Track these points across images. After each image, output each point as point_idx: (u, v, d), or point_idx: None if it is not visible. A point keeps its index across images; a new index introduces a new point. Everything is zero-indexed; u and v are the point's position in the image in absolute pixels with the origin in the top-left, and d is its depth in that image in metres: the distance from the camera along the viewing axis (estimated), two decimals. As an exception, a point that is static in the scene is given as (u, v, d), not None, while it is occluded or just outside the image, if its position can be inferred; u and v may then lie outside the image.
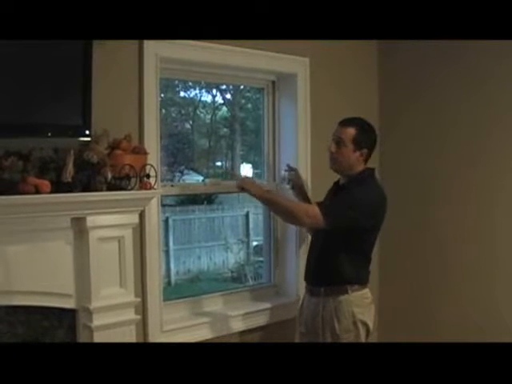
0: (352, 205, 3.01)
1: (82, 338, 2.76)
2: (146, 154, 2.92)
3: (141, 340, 3.04)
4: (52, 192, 2.48)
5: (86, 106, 2.69)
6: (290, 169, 3.56)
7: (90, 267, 2.70)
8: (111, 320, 2.76)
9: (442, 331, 3.90)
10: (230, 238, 5.38)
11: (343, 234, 3.02)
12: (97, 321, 2.71)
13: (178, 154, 4.08)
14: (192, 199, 5.18)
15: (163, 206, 3.62)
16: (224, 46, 3.29)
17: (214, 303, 3.63)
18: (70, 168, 2.55)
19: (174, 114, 4.04)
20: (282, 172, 3.62)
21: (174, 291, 4.60)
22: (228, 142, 4.38)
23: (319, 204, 3.16)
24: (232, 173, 3.21)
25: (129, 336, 2.82)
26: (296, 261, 3.78)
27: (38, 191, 2.43)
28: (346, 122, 3.16)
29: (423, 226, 4.09)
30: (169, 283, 4.69)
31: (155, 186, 2.90)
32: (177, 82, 3.85)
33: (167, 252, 4.89)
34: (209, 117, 4.36)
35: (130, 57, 3.03)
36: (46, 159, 2.56)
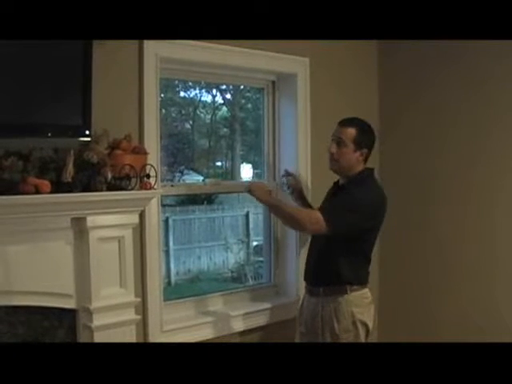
0: (353, 208, 3.01)
1: (82, 338, 2.76)
2: (146, 154, 2.92)
3: (141, 340, 3.04)
4: (52, 192, 2.48)
5: (86, 106, 2.69)
6: (288, 174, 3.56)
7: (90, 267, 2.70)
8: (111, 320, 2.76)
9: (442, 331, 3.90)
10: (230, 238, 5.38)
11: (344, 235, 3.02)
12: (97, 321, 2.71)
13: (178, 154, 4.08)
14: (192, 199, 5.18)
15: (163, 206, 3.62)
16: (224, 46, 3.29)
17: (214, 303, 3.63)
18: (70, 168, 2.55)
19: (174, 114, 4.04)
20: (282, 178, 3.60)
21: (174, 291, 4.59)
22: (228, 142, 4.38)
23: (321, 209, 3.17)
24: (245, 185, 3.25)
25: (129, 336, 2.82)
26: (296, 261, 3.78)
27: (38, 191, 2.44)
28: (345, 123, 3.16)
29: (423, 225, 4.09)
30: (169, 283, 4.69)
31: (155, 186, 2.90)
32: (177, 81, 3.85)
33: (167, 252, 4.89)
34: (209, 117, 4.35)
35: (130, 57, 3.03)
36: (46, 159, 2.56)
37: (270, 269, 3.96)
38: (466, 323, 3.82)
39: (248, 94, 4.32)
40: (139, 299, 2.94)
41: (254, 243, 5.07)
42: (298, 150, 3.78)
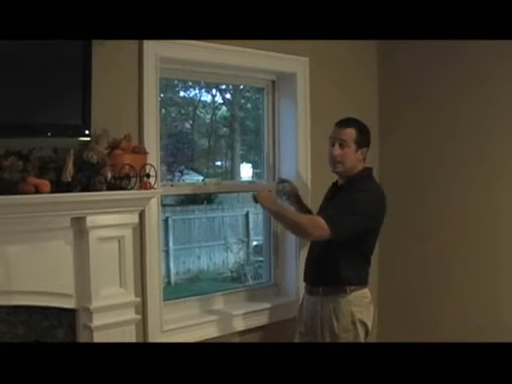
0: (354, 210, 3.00)
1: (82, 337, 2.76)
2: (145, 153, 2.92)
3: (141, 340, 3.04)
4: (52, 192, 2.48)
5: (86, 106, 2.69)
6: (283, 181, 3.55)
7: (89, 267, 2.70)
8: (111, 320, 2.76)
9: (442, 331, 3.90)
10: (229, 237, 5.38)
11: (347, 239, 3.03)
12: (97, 321, 2.71)
13: (178, 154, 4.08)
14: (192, 199, 5.18)
15: (163, 205, 3.63)
16: (224, 45, 3.29)
17: (214, 303, 3.63)
18: (69, 168, 2.55)
19: (173, 114, 4.04)
20: (277, 185, 3.58)
21: (173, 291, 4.59)
22: (228, 142, 4.38)
23: (320, 211, 3.19)
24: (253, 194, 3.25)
25: (129, 336, 2.82)
26: (296, 261, 3.78)
27: (37, 191, 2.44)
28: (344, 123, 3.17)
29: (423, 225, 4.09)
30: (169, 283, 4.69)
31: (155, 186, 2.90)
32: (176, 81, 3.85)
33: (167, 252, 4.89)
34: (208, 116, 4.35)
35: (130, 57, 3.03)
36: (46, 159, 2.56)
37: (269, 268, 3.96)
38: (466, 323, 3.82)
39: (248, 94, 4.32)
40: (139, 299, 2.94)
41: (254, 243, 5.07)
42: (298, 150, 3.78)
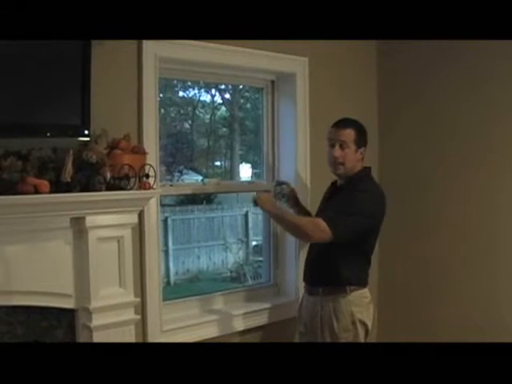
0: (355, 212, 3.00)
1: (82, 337, 2.75)
2: (145, 153, 2.92)
3: (140, 340, 3.03)
4: (51, 192, 2.48)
5: (85, 106, 2.69)
6: (281, 183, 3.54)
7: (89, 267, 2.69)
8: (110, 320, 2.75)
9: (442, 331, 3.90)
10: (229, 237, 5.39)
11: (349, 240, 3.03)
12: (96, 321, 2.71)
13: (177, 154, 4.08)
14: (191, 199, 5.19)
15: (162, 205, 3.63)
16: (223, 45, 3.29)
17: (213, 303, 3.63)
18: (69, 168, 2.55)
19: (173, 114, 4.04)
20: (275, 188, 3.55)
21: (173, 291, 4.60)
22: (227, 142, 4.38)
23: (320, 212, 3.20)
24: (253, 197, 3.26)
25: (128, 336, 2.82)
26: (295, 260, 3.78)
27: (37, 191, 2.43)
28: (342, 124, 3.17)
29: (423, 225, 4.09)
30: (168, 283, 4.69)
31: (154, 186, 2.89)
32: (176, 81, 3.85)
33: (166, 252, 4.90)
34: (208, 116, 4.35)
35: (129, 57, 3.02)
36: (45, 159, 2.56)
37: (269, 268, 3.95)
38: (465, 323, 3.82)
39: (247, 94, 4.32)
40: (138, 299, 2.93)
41: (254, 243, 5.08)
42: (297, 150, 3.78)
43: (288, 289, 3.86)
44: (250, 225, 5.23)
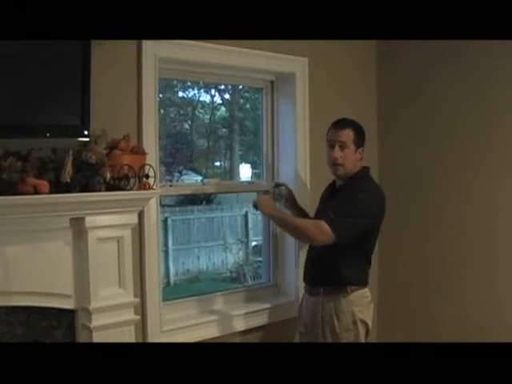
0: (357, 212, 3.00)
1: (81, 338, 2.75)
2: (144, 154, 2.92)
3: (140, 340, 3.03)
4: (51, 192, 2.48)
5: (85, 106, 2.69)
6: (279, 185, 3.52)
7: (89, 267, 2.69)
8: (110, 320, 2.75)
9: (442, 331, 3.90)
10: (229, 238, 5.39)
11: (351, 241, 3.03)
12: (96, 321, 2.71)
13: (177, 154, 4.08)
14: (191, 199, 5.19)
15: (162, 206, 3.62)
16: (223, 46, 3.29)
17: (213, 303, 3.62)
18: (68, 168, 2.55)
19: (172, 114, 4.04)
20: (273, 189, 3.52)
21: (173, 291, 4.60)
22: (227, 142, 4.39)
23: (319, 212, 3.20)
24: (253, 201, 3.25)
25: (128, 336, 2.82)
26: (295, 261, 3.77)
27: (36, 191, 2.43)
28: (341, 125, 3.17)
29: (422, 225, 4.09)
30: (168, 283, 4.70)
31: (154, 186, 2.89)
32: (175, 82, 3.85)
33: (166, 252, 4.90)
34: (207, 117, 4.36)
35: (129, 57, 3.02)
36: (45, 159, 2.56)
37: (269, 269, 3.95)
38: (465, 323, 3.82)
39: (247, 94, 4.32)
40: (138, 299, 2.93)
41: (253, 243, 5.08)
42: (297, 150, 3.78)
43: (288, 289, 3.86)
44: (250, 225, 5.23)
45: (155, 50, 3.06)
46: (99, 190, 2.63)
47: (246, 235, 5.25)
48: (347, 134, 3.13)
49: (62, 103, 2.65)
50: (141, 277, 3.06)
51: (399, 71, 4.18)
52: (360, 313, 3.08)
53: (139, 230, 3.03)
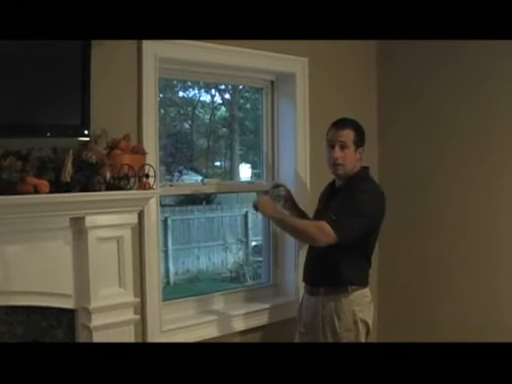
0: (358, 213, 3.00)
1: (81, 338, 2.75)
2: (144, 153, 2.92)
3: (140, 340, 3.03)
4: (51, 192, 2.48)
5: (85, 106, 2.69)
6: (277, 185, 3.52)
7: (88, 267, 2.69)
8: (110, 320, 2.75)
9: (442, 331, 3.90)
10: (228, 238, 5.40)
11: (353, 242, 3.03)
12: (96, 321, 2.71)
13: (177, 154, 4.08)
14: (191, 199, 5.20)
15: (162, 205, 3.62)
16: (223, 46, 3.28)
17: (213, 303, 3.62)
18: (68, 168, 2.55)
19: (172, 114, 4.04)
20: (272, 190, 3.48)
21: (172, 291, 4.60)
22: (227, 142, 4.39)
23: (318, 213, 3.21)
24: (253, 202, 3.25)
25: (128, 336, 2.82)
26: (295, 260, 3.77)
27: (36, 191, 2.43)
28: (341, 125, 3.16)
29: (423, 225, 4.09)
30: (168, 283, 4.70)
31: (154, 186, 2.89)
32: (175, 81, 3.85)
33: (166, 252, 4.91)
34: (208, 117, 4.36)
35: (129, 57, 3.02)
36: (45, 159, 2.56)
37: (269, 269, 3.95)
38: (465, 323, 3.82)
39: (247, 94, 4.32)
40: (138, 299, 2.93)
41: (253, 243, 5.09)
42: (297, 150, 3.78)
43: (288, 289, 3.86)
44: (250, 225, 5.23)
45: (155, 50, 3.06)
46: (99, 190, 2.63)
47: (246, 235, 5.25)
48: (347, 134, 3.13)
49: (62, 103, 2.65)
50: (141, 276, 3.06)
51: (399, 71, 4.18)
52: (361, 312, 3.08)
53: (139, 230, 3.03)
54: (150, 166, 2.89)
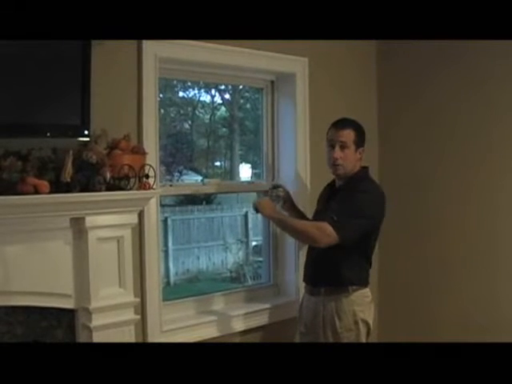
0: (359, 213, 3.00)
1: (81, 338, 2.75)
2: (144, 153, 2.91)
3: (140, 340, 3.03)
4: (51, 192, 2.48)
5: (85, 106, 2.69)
6: (276, 186, 3.51)
7: (89, 267, 2.69)
8: (110, 320, 2.75)
9: (442, 331, 3.90)
10: (228, 238, 5.39)
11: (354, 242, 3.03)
12: (96, 321, 2.71)
13: (177, 154, 4.08)
14: (191, 199, 5.19)
15: (162, 206, 3.62)
16: (223, 46, 3.28)
17: (213, 303, 3.62)
18: (68, 168, 2.55)
19: (172, 114, 4.04)
20: (271, 191, 3.46)
21: (173, 291, 4.60)
22: (227, 142, 4.39)
23: (318, 213, 3.22)
24: (253, 203, 3.25)
25: (128, 336, 2.82)
26: (295, 261, 3.77)
27: (36, 191, 2.43)
28: (341, 125, 3.16)
29: (423, 225, 4.09)
30: (168, 283, 4.69)
31: (154, 186, 2.89)
32: (176, 82, 3.85)
33: (166, 252, 4.90)
34: (208, 117, 4.36)
35: (129, 57, 3.02)
36: (45, 159, 2.56)
37: (269, 269, 3.95)
38: (466, 323, 3.82)
39: (247, 94, 4.32)
40: (138, 299, 2.93)
41: (253, 243, 5.08)
42: (297, 150, 3.78)
43: (288, 289, 3.86)
44: (250, 225, 5.23)
45: (155, 50, 3.06)
46: (99, 190, 2.63)
47: (246, 235, 5.25)
48: (348, 134, 3.12)
49: (62, 103, 2.65)
50: (141, 277, 3.06)
51: (399, 71, 4.18)
52: (361, 312, 3.08)
53: (139, 230, 3.03)
54: (150, 166, 2.89)
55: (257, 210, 3.18)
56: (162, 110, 3.60)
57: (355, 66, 4.14)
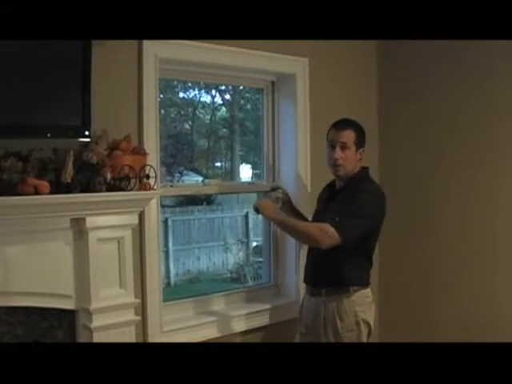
0: (360, 214, 2.99)
1: (82, 338, 2.75)
2: (145, 154, 2.92)
3: (140, 341, 3.03)
4: (51, 193, 2.48)
5: (86, 107, 2.69)
6: (275, 188, 3.50)
7: (89, 268, 2.69)
8: (111, 321, 2.75)
9: (443, 331, 3.90)
10: (229, 238, 5.38)
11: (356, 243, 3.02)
12: (96, 321, 2.71)
13: (178, 155, 4.08)
14: (191, 200, 5.18)
15: (162, 206, 3.62)
16: (223, 46, 3.29)
17: (213, 304, 3.62)
18: (69, 169, 2.55)
19: (173, 115, 4.04)
20: (270, 193, 3.46)
21: (173, 292, 4.59)
22: (227, 143, 4.39)
23: (317, 213, 3.22)
24: (254, 204, 3.24)
25: (128, 337, 2.82)
26: (296, 261, 3.77)
27: (37, 192, 2.43)
28: (342, 126, 3.16)
29: (423, 225, 4.09)
30: (168, 284, 4.69)
31: (154, 187, 2.89)
32: (176, 82, 3.85)
33: (167, 253, 4.89)
34: (208, 117, 4.36)
35: (130, 57, 3.02)
36: (46, 160, 2.56)
37: (269, 269, 3.95)
38: (466, 323, 3.82)
39: (247, 95, 4.32)
40: (139, 300, 2.93)
41: (254, 244, 5.08)
42: (298, 151, 3.78)
43: (288, 289, 3.86)
44: (250, 225, 5.22)
45: (156, 51, 3.06)
46: (100, 191, 2.63)
47: (247, 236, 5.24)
48: (348, 135, 3.12)
49: (62, 103, 2.65)
50: (141, 277, 3.06)
51: (399, 71, 4.18)
52: (362, 313, 3.08)
53: (140, 231, 3.03)
54: (151, 166, 2.89)
55: (257, 212, 3.17)
56: (163, 111, 3.60)
57: (355, 66, 4.14)
